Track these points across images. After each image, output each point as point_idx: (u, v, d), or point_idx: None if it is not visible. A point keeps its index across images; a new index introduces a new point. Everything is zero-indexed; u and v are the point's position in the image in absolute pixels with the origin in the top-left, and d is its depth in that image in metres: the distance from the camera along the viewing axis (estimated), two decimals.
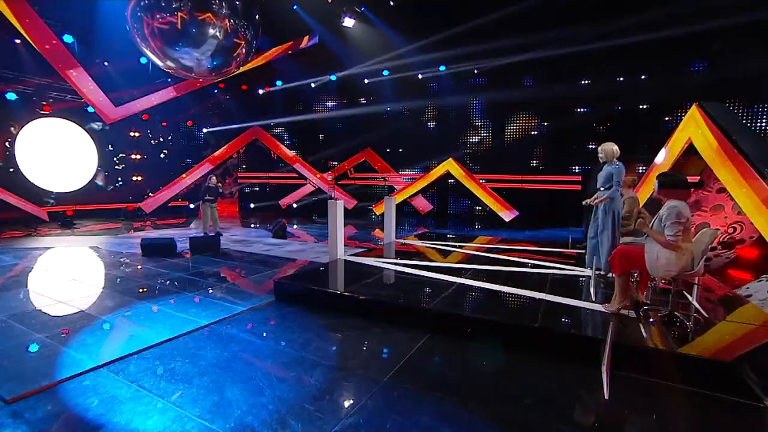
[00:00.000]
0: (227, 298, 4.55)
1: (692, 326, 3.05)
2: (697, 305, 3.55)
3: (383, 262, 5.61)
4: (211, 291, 4.86)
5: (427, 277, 4.78)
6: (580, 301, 3.76)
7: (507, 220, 11.77)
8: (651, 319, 3.18)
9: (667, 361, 2.64)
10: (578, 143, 11.63)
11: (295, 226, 11.50)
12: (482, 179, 12.64)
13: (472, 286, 4.38)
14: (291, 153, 15.16)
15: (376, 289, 4.46)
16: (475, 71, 12.62)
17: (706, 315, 3.30)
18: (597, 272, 4.54)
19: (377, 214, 13.65)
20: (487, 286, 4.32)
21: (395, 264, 5.42)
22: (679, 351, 2.72)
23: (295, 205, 15.56)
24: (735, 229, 5.76)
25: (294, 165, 14.90)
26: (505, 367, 2.91)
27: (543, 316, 3.40)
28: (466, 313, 3.63)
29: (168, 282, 5.27)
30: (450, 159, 12.87)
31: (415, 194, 13.68)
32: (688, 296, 3.60)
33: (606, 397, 2.45)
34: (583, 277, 4.81)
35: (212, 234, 8.33)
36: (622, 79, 10.76)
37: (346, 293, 4.15)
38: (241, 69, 9.81)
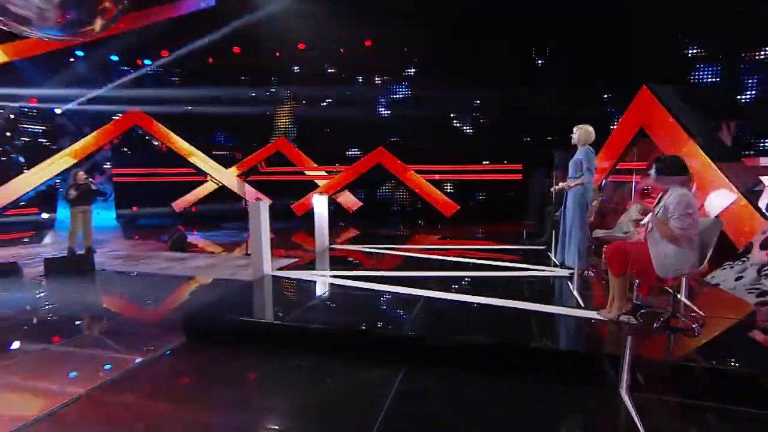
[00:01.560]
0: (112, 345, 3.56)
1: (700, 329, 3.03)
2: (689, 302, 3.63)
3: (323, 276, 5.03)
4: (85, 337, 3.81)
5: (382, 291, 4.31)
6: (570, 309, 3.62)
7: (447, 215, 11.85)
8: (655, 325, 3.10)
9: (696, 376, 2.53)
10: (521, 129, 11.99)
11: (195, 233, 10.19)
12: (417, 170, 12.53)
13: (441, 299, 4.01)
14: (185, 143, 13.45)
15: (324, 314, 3.88)
16: (405, 50, 12.45)
17: (703, 314, 3.35)
18: (581, 272, 4.52)
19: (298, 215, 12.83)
20: (459, 298, 4.00)
21: (339, 277, 4.86)
22: (710, 365, 2.64)
23: (194, 209, 13.90)
24: None
25: (189, 159, 13.27)
26: (511, 400, 2.56)
27: (539, 331, 3.18)
28: (448, 334, 3.24)
29: (9, 328, 3.99)
30: (380, 148, 12.55)
31: (341, 190, 13.12)
32: (676, 294, 3.65)
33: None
34: (557, 277, 4.77)
35: (82, 252, 6.82)
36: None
37: (286, 323, 3.51)
38: (109, 30, 8.26)
